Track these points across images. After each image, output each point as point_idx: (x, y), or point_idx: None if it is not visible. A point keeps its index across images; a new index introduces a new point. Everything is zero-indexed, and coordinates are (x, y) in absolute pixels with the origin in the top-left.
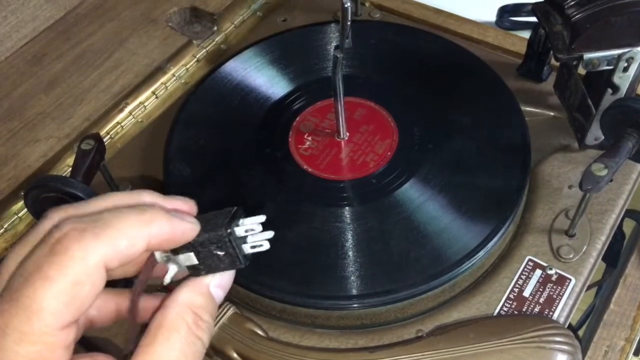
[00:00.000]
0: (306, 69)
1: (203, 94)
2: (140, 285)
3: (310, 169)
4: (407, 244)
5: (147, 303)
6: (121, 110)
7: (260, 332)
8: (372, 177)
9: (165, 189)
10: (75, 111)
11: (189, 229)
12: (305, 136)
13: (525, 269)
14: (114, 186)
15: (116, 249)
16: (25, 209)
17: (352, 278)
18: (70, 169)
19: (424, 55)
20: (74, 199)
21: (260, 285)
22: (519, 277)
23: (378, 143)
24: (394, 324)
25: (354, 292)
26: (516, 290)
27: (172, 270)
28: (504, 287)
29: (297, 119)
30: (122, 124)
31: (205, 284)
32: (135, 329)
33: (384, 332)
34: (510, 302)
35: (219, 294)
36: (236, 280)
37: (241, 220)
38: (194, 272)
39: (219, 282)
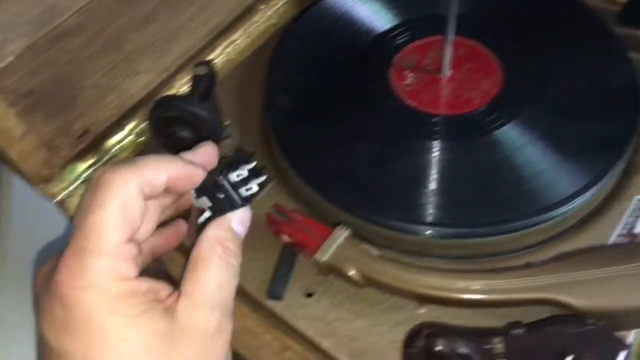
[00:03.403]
0: (410, 4)
1: (302, 28)
2: (195, 216)
3: (414, 104)
4: (521, 178)
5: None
6: (214, 49)
7: (374, 252)
8: (478, 112)
9: (266, 123)
10: (170, 48)
11: (196, 173)
12: (407, 72)
13: (636, 209)
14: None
15: (146, 177)
16: (128, 138)
17: (462, 208)
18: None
19: None
20: (196, 118)
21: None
22: (630, 216)
23: (482, 81)
24: (502, 256)
25: (464, 221)
26: (627, 227)
27: (207, 213)
28: (614, 222)
29: (398, 55)
30: (216, 62)
31: (226, 220)
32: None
33: (493, 263)
34: (621, 239)
35: (240, 229)
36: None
37: (241, 166)
38: (213, 214)
39: (239, 219)
